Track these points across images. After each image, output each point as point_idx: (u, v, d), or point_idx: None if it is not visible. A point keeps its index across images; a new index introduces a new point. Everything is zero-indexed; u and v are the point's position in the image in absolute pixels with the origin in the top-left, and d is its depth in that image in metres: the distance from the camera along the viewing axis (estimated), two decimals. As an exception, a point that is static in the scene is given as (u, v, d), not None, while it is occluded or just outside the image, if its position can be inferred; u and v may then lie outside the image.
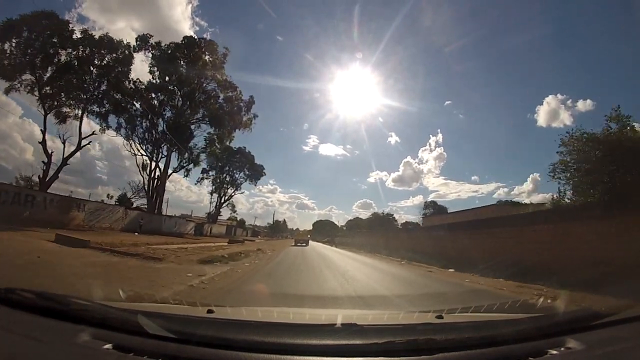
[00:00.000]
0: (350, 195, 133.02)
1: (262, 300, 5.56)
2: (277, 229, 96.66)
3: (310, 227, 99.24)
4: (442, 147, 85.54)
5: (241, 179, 54.46)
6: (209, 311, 1.77)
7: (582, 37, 52.96)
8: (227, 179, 53.64)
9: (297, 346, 1.25)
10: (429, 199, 45.55)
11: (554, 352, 1.33)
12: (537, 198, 40.07)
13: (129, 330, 1.27)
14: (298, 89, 69.27)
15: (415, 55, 70.39)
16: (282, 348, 1.23)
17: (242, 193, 57.38)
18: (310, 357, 1.20)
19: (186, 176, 39.50)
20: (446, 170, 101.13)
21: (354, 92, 66.57)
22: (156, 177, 34.06)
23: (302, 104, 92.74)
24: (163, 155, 34.18)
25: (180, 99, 33.19)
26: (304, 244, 36.22)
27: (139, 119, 32.09)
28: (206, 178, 50.36)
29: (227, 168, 52.54)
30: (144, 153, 33.21)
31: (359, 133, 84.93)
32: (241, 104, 35.29)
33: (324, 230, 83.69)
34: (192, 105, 33.51)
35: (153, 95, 32.40)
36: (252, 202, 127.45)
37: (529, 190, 63.68)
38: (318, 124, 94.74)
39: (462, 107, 75.79)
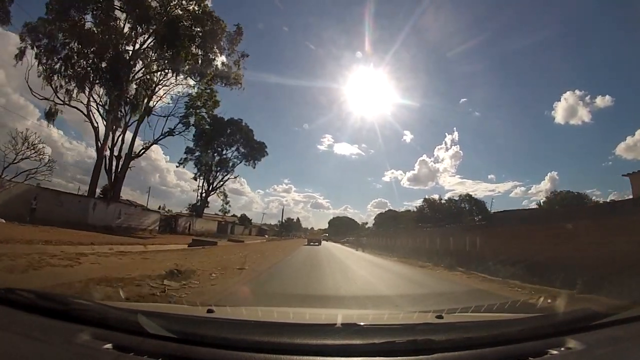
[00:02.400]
0: (365, 194, 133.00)
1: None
2: (290, 228, 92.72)
3: (325, 226, 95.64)
4: (458, 146, 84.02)
5: (235, 159, 43.89)
6: (209, 311, 1.77)
7: (600, 31, 52.23)
8: (217, 158, 43.01)
9: (297, 346, 1.25)
10: (445, 198, 43.47)
11: (554, 352, 1.33)
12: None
13: (129, 330, 1.27)
14: (313, 88, 68.05)
15: (430, 53, 70.43)
16: (282, 348, 1.23)
17: (235, 178, 46.08)
18: (311, 357, 1.20)
19: (142, 153, 29.25)
20: (462, 169, 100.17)
21: (368, 91, 66.59)
22: (119, 154, 26.79)
23: (317, 104, 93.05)
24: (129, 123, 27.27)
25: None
26: (317, 244, 38.13)
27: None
28: (190, 159, 41.04)
29: (215, 145, 41.95)
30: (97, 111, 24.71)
31: (374, 132, 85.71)
32: (223, 40, 26.02)
33: (342, 229, 76.64)
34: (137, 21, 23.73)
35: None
36: (267, 202, 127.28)
37: (547, 189, 62.58)
38: (333, 123, 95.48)
39: (477, 105, 75.47)
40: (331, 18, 67.21)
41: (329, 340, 1.29)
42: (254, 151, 43.99)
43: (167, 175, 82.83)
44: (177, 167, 46.04)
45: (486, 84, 68.99)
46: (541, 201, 42.94)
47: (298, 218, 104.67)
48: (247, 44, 71.77)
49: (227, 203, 47.88)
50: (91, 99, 25.35)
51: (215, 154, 43.50)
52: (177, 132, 31.91)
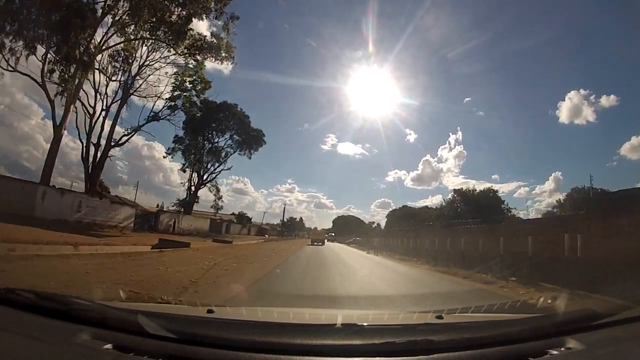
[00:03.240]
0: (369, 194, 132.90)
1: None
2: (292, 228, 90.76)
3: (329, 226, 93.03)
4: (461, 145, 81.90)
5: (228, 148, 38.94)
6: (209, 311, 1.77)
7: (605, 30, 51.20)
8: (207, 146, 38.37)
9: (297, 346, 1.25)
10: (449, 197, 41.81)
11: (554, 352, 1.33)
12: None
13: (129, 330, 1.27)
14: (316, 88, 67.23)
15: (434, 52, 69.51)
16: (282, 348, 1.23)
17: (229, 169, 41.19)
18: (310, 357, 1.20)
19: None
20: (466, 169, 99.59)
21: (372, 90, 65.96)
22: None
23: (320, 103, 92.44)
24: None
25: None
26: (320, 244, 39.23)
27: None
28: (179, 148, 36.61)
29: (206, 133, 37.46)
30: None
31: (378, 131, 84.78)
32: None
33: (347, 229, 71.77)
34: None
35: None
36: (270, 202, 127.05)
37: (551, 190, 62.42)
38: (337, 123, 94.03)
39: (481, 104, 75.06)
40: (334, 17, 67.59)
41: (329, 341, 1.29)
42: (250, 139, 38.51)
43: (170, 174, 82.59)
44: (164, 157, 40.00)
45: (490, 83, 69.03)
46: (561, 199, 39.75)
47: (301, 217, 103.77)
48: (249, 43, 72.14)
49: (219, 198, 41.58)
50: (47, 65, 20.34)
51: (206, 142, 38.41)
52: (162, 117, 28.38)
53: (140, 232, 24.55)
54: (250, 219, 72.19)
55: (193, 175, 38.84)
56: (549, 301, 2.83)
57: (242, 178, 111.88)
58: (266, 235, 58.47)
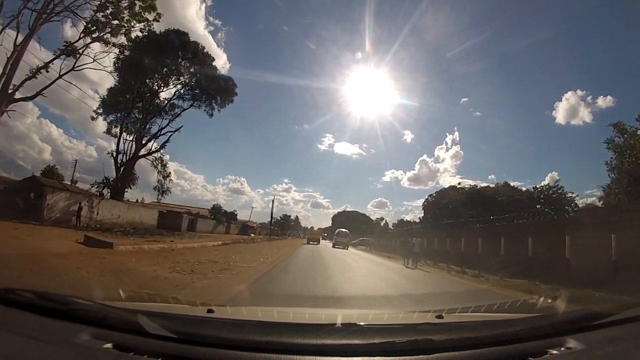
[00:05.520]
0: (366, 194, 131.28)
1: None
2: (286, 226, 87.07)
3: (326, 225, 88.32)
4: (458, 145, 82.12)
5: (179, 100, 28.40)
6: (209, 311, 1.77)
7: (602, 31, 51.02)
8: (146, 93, 26.94)
9: (297, 346, 1.25)
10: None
11: (554, 352, 1.33)
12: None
13: (129, 329, 1.27)
14: (314, 88, 65.47)
15: (431, 53, 69.88)
16: (282, 348, 1.23)
17: (178, 130, 28.54)
18: (310, 357, 1.20)
19: None
20: (463, 169, 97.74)
21: (369, 90, 65.34)
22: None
23: (318, 103, 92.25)
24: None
25: None
26: (316, 242, 40.99)
27: None
28: (109, 103, 26.49)
29: (147, 77, 25.95)
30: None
31: (375, 131, 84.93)
32: None
33: (350, 227, 55.76)
34: None
35: None
36: (267, 201, 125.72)
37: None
38: (334, 123, 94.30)
39: (478, 105, 74.39)
40: (331, 18, 67.06)
41: (329, 340, 1.29)
42: (213, 89, 27.62)
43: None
44: (93, 118, 27.71)
45: (487, 83, 68.59)
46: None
47: (297, 216, 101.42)
48: (247, 43, 71.54)
49: (166, 177, 29.09)
50: None
51: (147, 91, 27.02)
52: (80, 50, 20.03)
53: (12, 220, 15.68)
54: (235, 215, 63.12)
55: (126, 142, 27.00)
56: (549, 301, 2.82)
57: (239, 177, 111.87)
58: (251, 235, 50.75)
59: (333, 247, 35.87)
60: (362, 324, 1.46)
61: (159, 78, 27.64)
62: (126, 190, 29.76)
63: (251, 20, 75.74)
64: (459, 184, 35.88)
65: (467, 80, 73.67)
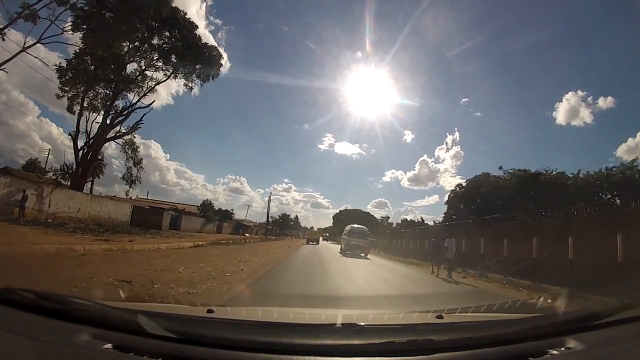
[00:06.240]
0: (366, 194, 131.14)
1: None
2: (285, 226, 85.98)
3: (326, 225, 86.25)
4: (459, 146, 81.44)
5: (154, 69, 24.27)
6: (209, 311, 1.76)
7: (603, 31, 50.42)
8: (112, 61, 22.29)
9: (297, 346, 1.25)
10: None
11: (554, 352, 1.33)
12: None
13: (129, 330, 1.27)
14: (314, 88, 65.08)
15: (431, 53, 69.58)
16: (282, 348, 1.23)
17: (149, 106, 25.22)
18: (310, 357, 1.20)
19: None
20: (463, 169, 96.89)
21: (369, 90, 65.31)
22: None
23: (318, 103, 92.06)
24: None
25: None
26: (315, 243, 40.21)
27: None
28: (68, 69, 21.79)
29: (112, 40, 21.26)
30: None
31: (375, 131, 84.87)
32: None
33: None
34: None
35: None
36: (267, 201, 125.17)
37: None
38: (334, 123, 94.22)
39: (479, 105, 74.01)
40: (332, 18, 67.19)
41: (329, 340, 1.28)
42: (193, 58, 23.23)
43: (167, 173, 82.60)
44: (59, 97, 23.19)
45: (487, 84, 68.46)
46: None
47: (296, 216, 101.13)
48: (248, 43, 71.23)
49: (136, 164, 25.73)
50: None
51: (113, 59, 22.43)
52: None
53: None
54: (231, 213, 60.61)
55: (87, 121, 22.45)
56: (549, 301, 2.82)
57: (239, 177, 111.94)
58: (245, 235, 47.46)
59: (341, 252, 24.15)
60: (362, 324, 1.46)
61: (129, 43, 22.68)
62: (90, 179, 25.67)
63: (252, 20, 75.94)
64: (500, 167, 28.38)
65: (467, 81, 73.68)
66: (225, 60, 65.39)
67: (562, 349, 1.35)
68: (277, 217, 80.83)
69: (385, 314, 2.63)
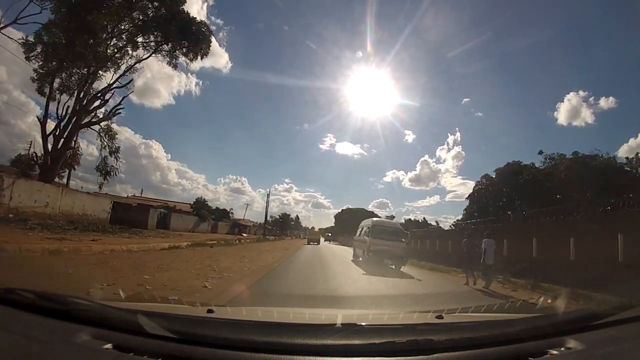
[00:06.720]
0: (367, 194, 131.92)
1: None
2: (285, 226, 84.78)
3: (327, 225, 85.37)
4: (460, 146, 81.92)
5: (134, 45, 21.93)
6: (209, 311, 1.76)
7: (605, 32, 50.20)
8: (87, 35, 18.97)
9: (297, 346, 1.25)
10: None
11: (554, 352, 1.33)
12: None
13: (129, 330, 1.27)
14: (315, 88, 66.10)
15: (432, 53, 70.33)
16: (282, 348, 1.23)
17: (127, 85, 22.96)
18: (310, 357, 1.20)
19: None
20: (464, 169, 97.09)
21: (371, 90, 66.36)
22: None
23: (319, 103, 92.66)
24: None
25: None
26: (316, 243, 40.84)
27: None
28: (39, 42, 19.49)
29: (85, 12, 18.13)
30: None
31: (377, 132, 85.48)
32: None
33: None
34: None
35: None
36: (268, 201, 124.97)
37: None
38: (335, 123, 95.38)
39: (480, 105, 74.70)
40: (332, 18, 67.60)
41: (329, 340, 1.28)
42: (179, 32, 21.33)
43: (168, 173, 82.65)
44: (33, 81, 20.99)
45: (489, 84, 68.76)
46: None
47: (297, 216, 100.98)
48: (249, 43, 71.10)
49: (113, 152, 23.42)
50: None
51: (88, 33, 19.32)
52: None
53: None
54: (230, 212, 59.03)
55: (58, 103, 20.41)
56: (549, 301, 2.82)
57: (240, 177, 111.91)
58: (243, 234, 46.07)
59: (354, 260, 17.28)
60: (362, 324, 1.46)
61: (105, 14, 19.95)
62: (63, 171, 23.43)
63: (252, 20, 76.22)
64: (540, 152, 24.16)
65: (468, 81, 73.87)
66: (226, 60, 65.61)
67: (562, 349, 1.35)
68: (278, 217, 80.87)
69: (385, 314, 2.62)
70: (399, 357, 1.24)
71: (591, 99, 65.57)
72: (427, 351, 1.25)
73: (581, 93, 62.29)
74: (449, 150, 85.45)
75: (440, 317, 1.85)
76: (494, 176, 27.60)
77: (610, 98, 55.09)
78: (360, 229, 18.90)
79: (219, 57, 71.99)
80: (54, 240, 10.75)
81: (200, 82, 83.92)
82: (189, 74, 72.13)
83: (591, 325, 1.57)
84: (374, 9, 53.35)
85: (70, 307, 1.40)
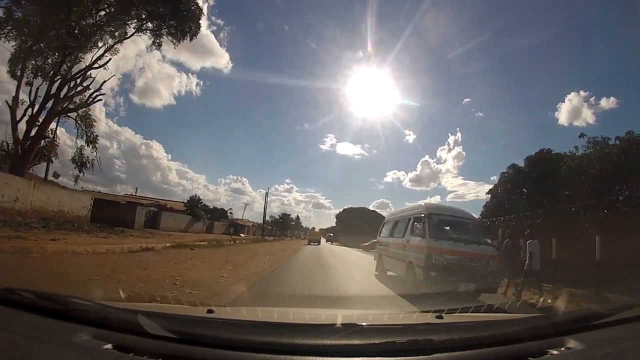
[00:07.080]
0: (367, 195, 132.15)
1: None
2: (285, 226, 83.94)
3: (328, 225, 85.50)
4: (460, 146, 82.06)
5: (109, 23, 20.00)
6: (209, 311, 1.76)
7: (606, 32, 49.85)
8: (60, 11, 16.56)
9: (297, 346, 1.25)
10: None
11: (554, 352, 1.33)
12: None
13: (129, 330, 1.27)
14: (316, 88, 65.90)
15: (433, 53, 70.05)
16: (282, 348, 1.23)
17: (104, 66, 20.64)
18: (310, 357, 1.20)
19: None
20: (465, 170, 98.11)
21: (371, 91, 65.66)
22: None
23: (320, 103, 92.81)
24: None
25: None
26: (316, 243, 41.34)
27: None
28: (10, 21, 17.60)
29: None
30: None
31: (377, 132, 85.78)
32: None
33: (359, 227, 43.36)
34: None
35: None
36: (268, 202, 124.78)
37: None
38: (336, 123, 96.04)
39: (481, 105, 74.76)
40: (333, 18, 67.68)
41: (329, 341, 1.28)
42: (162, 7, 19.48)
43: (168, 173, 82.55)
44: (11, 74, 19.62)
45: (489, 84, 68.79)
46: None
47: (297, 216, 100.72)
48: (249, 43, 70.86)
49: (90, 142, 21.56)
50: None
51: (62, 7, 17.19)
52: None
53: None
54: (228, 212, 57.65)
55: (31, 87, 18.81)
56: (549, 301, 2.83)
57: (241, 177, 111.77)
58: (241, 235, 45.55)
59: (377, 276, 11.06)
60: (362, 324, 1.46)
61: None
62: (38, 162, 20.93)
63: (253, 20, 76.41)
64: (581, 135, 21.25)
65: (469, 81, 73.90)
66: (227, 60, 65.36)
67: (562, 349, 1.35)
68: (278, 217, 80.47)
69: (385, 314, 2.63)
70: (399, 357, 1.24)
71: (592, 99, 65.77)
72: (427, 351, 1.25)
73: (582, 93, 62.23)
74: (449, 150, 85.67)
75: (440, 317, 1.85)
76: (522, 166, 23.52)
77: (612, 98, 54.75)
78: (390, 224, 11.51)
79: (219, 57, 72.23)
80: (2, 239, 8.88)
81: (201, 82, 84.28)
82: (190, 74, 72.35)
83: (591, 325, 1.57)
84: (374, 9, 53.61)
85: (70, 307, 1.40)
